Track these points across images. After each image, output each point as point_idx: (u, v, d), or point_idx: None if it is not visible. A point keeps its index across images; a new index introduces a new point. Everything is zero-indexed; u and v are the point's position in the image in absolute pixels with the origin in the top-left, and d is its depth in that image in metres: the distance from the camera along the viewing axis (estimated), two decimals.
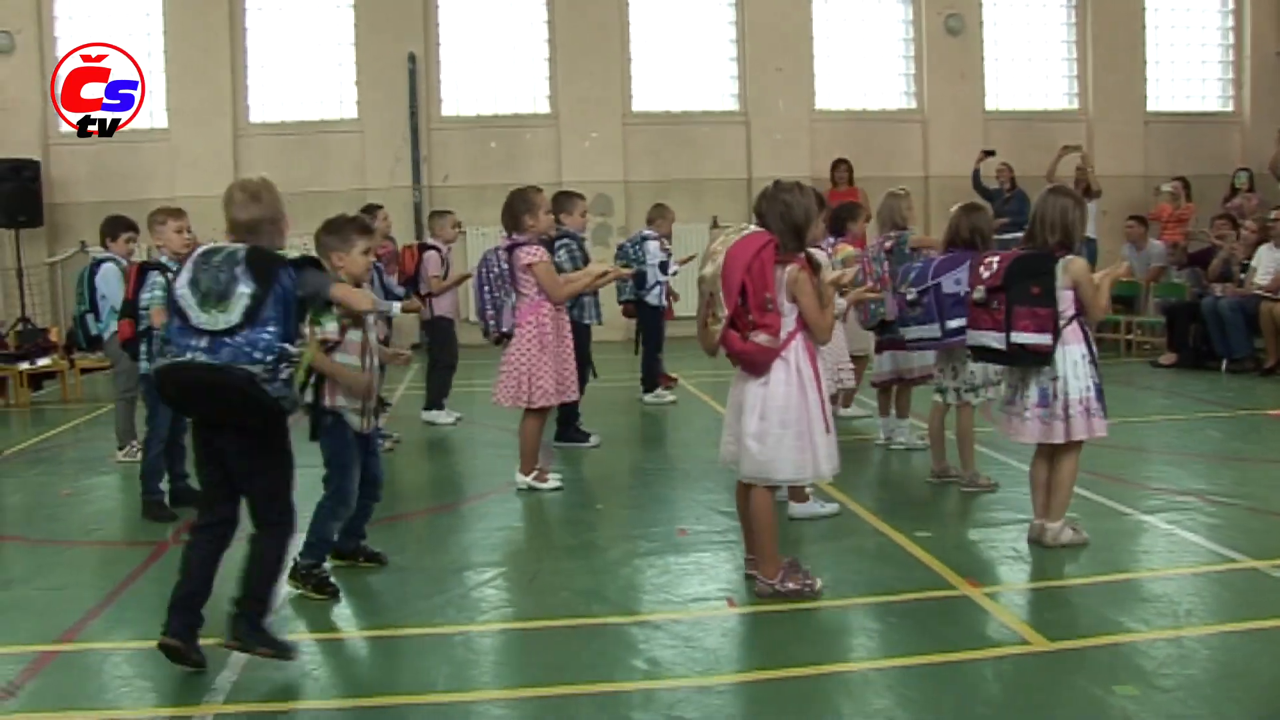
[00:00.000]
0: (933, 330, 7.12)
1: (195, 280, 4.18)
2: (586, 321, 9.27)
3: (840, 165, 16.52)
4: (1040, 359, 5.72)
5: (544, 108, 17.65)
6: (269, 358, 4.09)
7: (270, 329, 4.11)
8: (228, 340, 4.09)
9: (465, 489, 8.30)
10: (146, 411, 7.38)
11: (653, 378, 11.37)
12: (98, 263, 8.87)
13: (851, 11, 18.18)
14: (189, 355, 4.14)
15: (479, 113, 17.57)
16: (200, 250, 4.34)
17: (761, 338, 5.07)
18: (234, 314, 4.10)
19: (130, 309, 7.34)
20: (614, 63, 17.45)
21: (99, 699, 4.39)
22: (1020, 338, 5.69)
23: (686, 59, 17.90)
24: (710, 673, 4.47)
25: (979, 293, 5.89)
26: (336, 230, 5.45)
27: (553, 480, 7.64)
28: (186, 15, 16.72)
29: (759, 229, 5.17)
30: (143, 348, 7.27)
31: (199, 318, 4.13)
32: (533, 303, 7.47)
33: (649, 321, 11.26)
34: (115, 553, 6.63)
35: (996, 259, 5.91)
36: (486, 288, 7.53)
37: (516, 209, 7.52)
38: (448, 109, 17.53)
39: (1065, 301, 5.74)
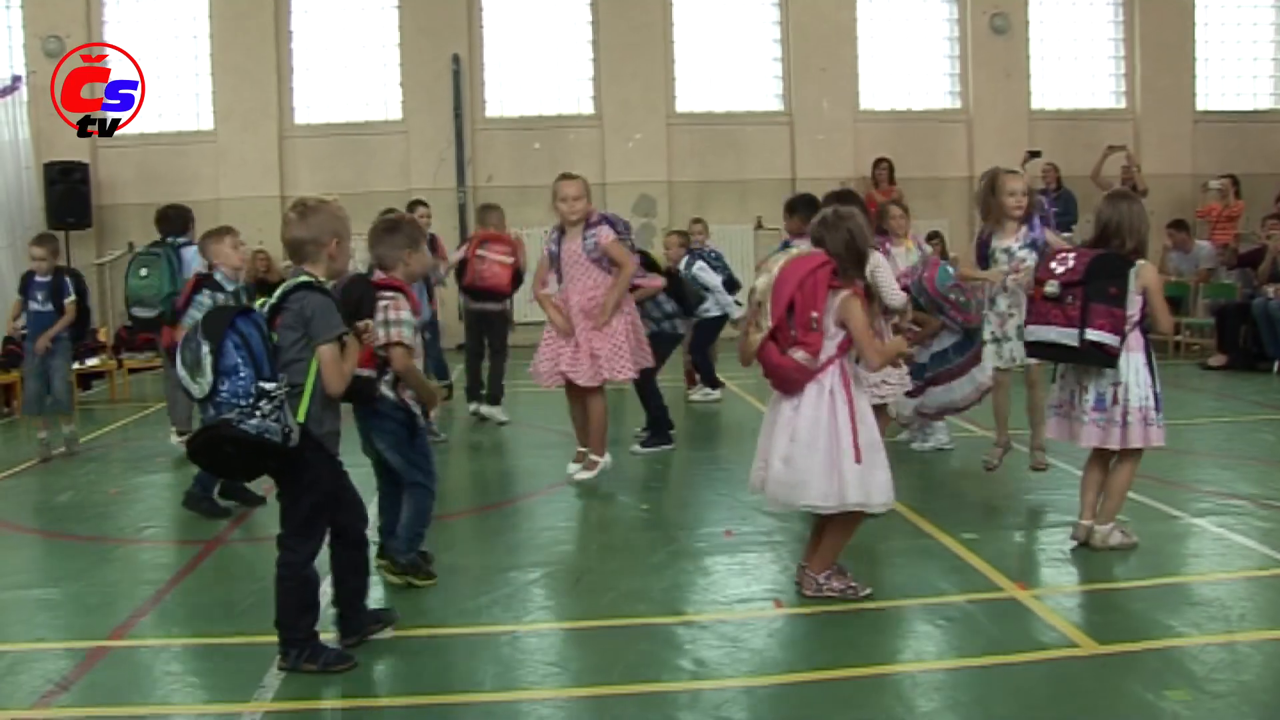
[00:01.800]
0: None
1: (182, 359, 4.37)
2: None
3: (880, 164, 16.43)
4: (1108, 360, 5.65)
5: (588, 108, 17.68)
6: (246, 401, 4.26)
7: (241, 374, 4.27)
8: (218, 399, 4.28)
9: (511, 489, 8.32)
10: None
11: (710, 375, 11.41)
12: (177, 248, 9.00)
13: (896, 11, 18.09)
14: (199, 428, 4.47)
15: (523, 114, 17.61)
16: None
17: (800, 355, 5.01)
18: (207, 374, 4.28)
19: (176, 318, 7.46)
20: (657, 63, 17.45)
21: (150, 695, 4.43)
22: (1095, 335, 5.57)
23: (730, 60, 17.87)
24: (757, 674, 4.47)
25: (1052, 287, 5.72)
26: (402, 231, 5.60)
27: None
28: (233, 18, 16.86)
29: (819, 250, 5.15)
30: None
31: (194, 389, 4.35)
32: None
33: (705, 328, 11.35)
34: (165, 551, 6.70)
35: (1072, 254, 5.79)
36: None
37: None
38: (492, 110, 17.59)
39: (1134, 306, 5.67)
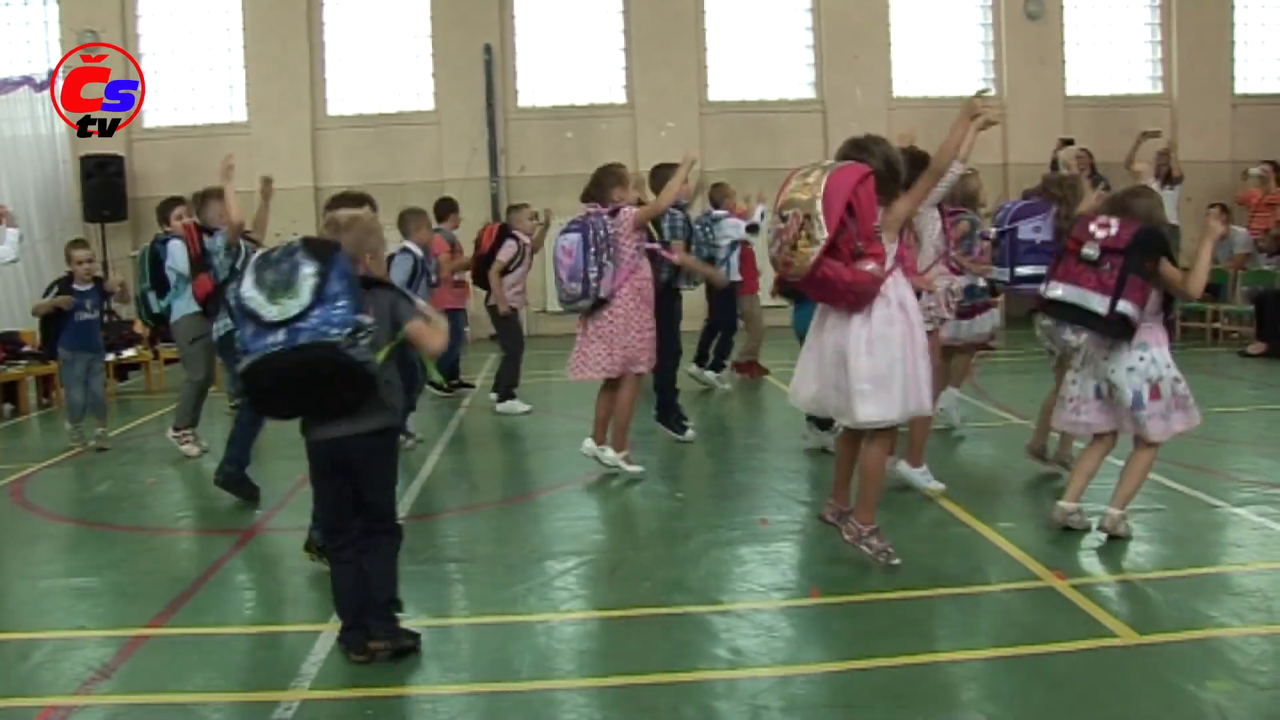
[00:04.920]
0: (1003, 274, 7.13)
1: (260, 279, 4.16)
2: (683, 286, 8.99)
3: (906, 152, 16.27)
4: (1127, 334, 5.58)
5: (620, 97, 17.67)
6: (346, 330, 4.10)
7: (340, 303, 4.11)
8: (303, 325, 4.09)
9: (542, 479, 8.32)
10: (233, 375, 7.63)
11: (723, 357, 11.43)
12: (163, 240, 8.95)
13: None
14: (269, 350, 4.14)
15: (555, 103, 17.62)
16: (257, 254, 4.34)
17: (870, 266, 5.01)
18: (304, 296, 4.09)
19: (203, 264, 7.56)
20: (690, 52, 17.42)
21: (189, 682, 4.44)
22: (1126, 307, 5.49)
23: (762, 48, 17.81)
24: (793, 662, 4.44)
25: (1091, 249, 5.58)
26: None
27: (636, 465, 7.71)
28: (266, 10, 16.96)
29: (856, 162, 5.13)
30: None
31: (270, 311, 4.11)
32: (631, 268, 7.51)
33: (723, 303, 11.22)
34: (202, 540, 6.74)
35: (1115, 221, 5.61)
36: (593, 249, 7.39)
37: (606, 182, 7.63)
38: (524, 100, 17.61)
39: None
